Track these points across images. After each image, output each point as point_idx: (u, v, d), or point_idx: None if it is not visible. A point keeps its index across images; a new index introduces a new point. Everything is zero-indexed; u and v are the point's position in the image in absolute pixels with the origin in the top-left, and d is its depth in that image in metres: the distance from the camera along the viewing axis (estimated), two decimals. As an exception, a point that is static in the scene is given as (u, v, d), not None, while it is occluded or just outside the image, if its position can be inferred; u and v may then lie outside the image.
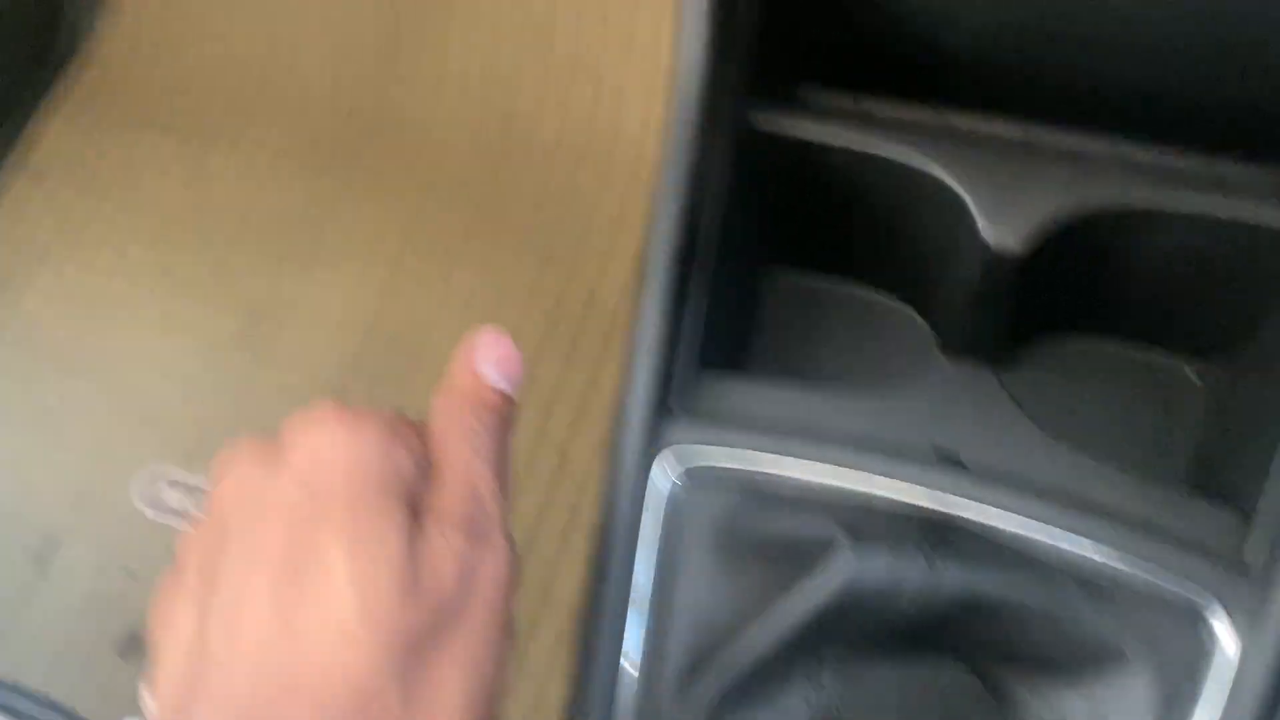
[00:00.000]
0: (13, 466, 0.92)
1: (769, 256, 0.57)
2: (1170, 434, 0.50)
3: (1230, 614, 0.38)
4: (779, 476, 0.41)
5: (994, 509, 0.40)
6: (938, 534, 0.39)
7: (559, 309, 0.88)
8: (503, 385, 0.36)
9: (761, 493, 0.41)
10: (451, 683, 0.29)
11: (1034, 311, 0.51)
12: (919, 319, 0.55)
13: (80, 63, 1.08)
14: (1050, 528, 0.40)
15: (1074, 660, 0.38)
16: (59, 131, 1.06)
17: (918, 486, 0.40)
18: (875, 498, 0.40)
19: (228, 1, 1.03)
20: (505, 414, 0.35)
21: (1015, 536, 0.39)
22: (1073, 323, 0.54)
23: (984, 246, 0.47)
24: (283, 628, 0.29)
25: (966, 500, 0.40)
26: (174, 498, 0.94)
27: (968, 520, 0.40)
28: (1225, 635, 0.38)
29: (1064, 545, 0.39)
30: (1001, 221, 0.46)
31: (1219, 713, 0.37)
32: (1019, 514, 0.40)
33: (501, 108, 0.97)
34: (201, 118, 1.03)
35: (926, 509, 0.40)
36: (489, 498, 0.33)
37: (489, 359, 0.36)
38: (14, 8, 1.04)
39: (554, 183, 0.93)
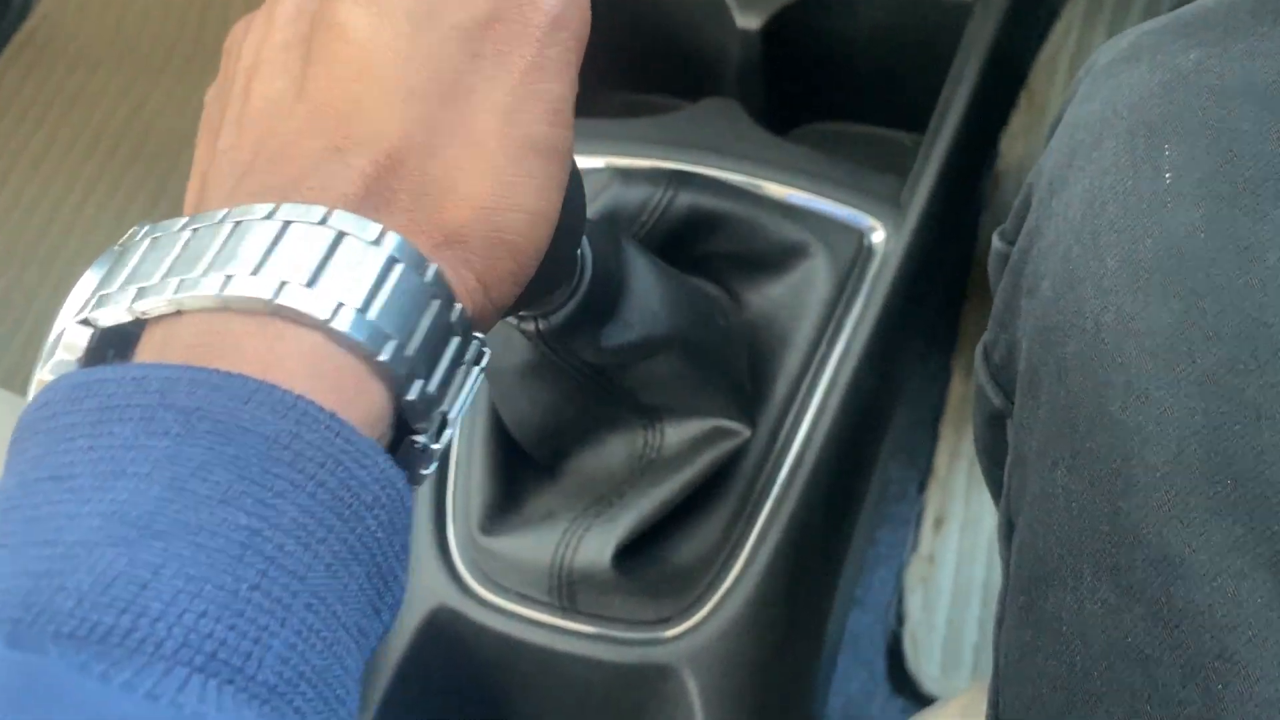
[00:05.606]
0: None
1: (597, 80, 0.74)
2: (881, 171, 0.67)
3: (884, 225, 0.56)
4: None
5: (722, 169, 0.57)
6: (680, 178, 0.55)
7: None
8: None
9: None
10: (486, 120, 0.29)
11: (782, 96, 0.69)
12: None
13: (33, 17, 1.24)
14: (762, 181, 0.57)
15: (776, 258, 0.56)
16: (14, 74, 1.21)
17: (669, 161, 0.58)
18: (638, 166, 0.58)
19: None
20: None
21: (737, 182, 0.57)
22: (814, 110, 0.72)
23: (738, 31, 0.65)
24: (295, 93, 0.30)
25: (702, 164, 0.58)
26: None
27: (702, 172, 0.57)
28: (879, 239, 0.56)
29: (770, 187, 0.57)
30: (747, 8, 0.64)
31: (872, 283, 0.55)
32: (740, 171, 0.57)
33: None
34: (144, 58, 1.19)
35: (674, 168, 0.57)
36: None
37: None
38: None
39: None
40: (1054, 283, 0.33)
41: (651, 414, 0.50)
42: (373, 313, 0.26)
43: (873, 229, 0.56)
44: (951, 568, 0.87)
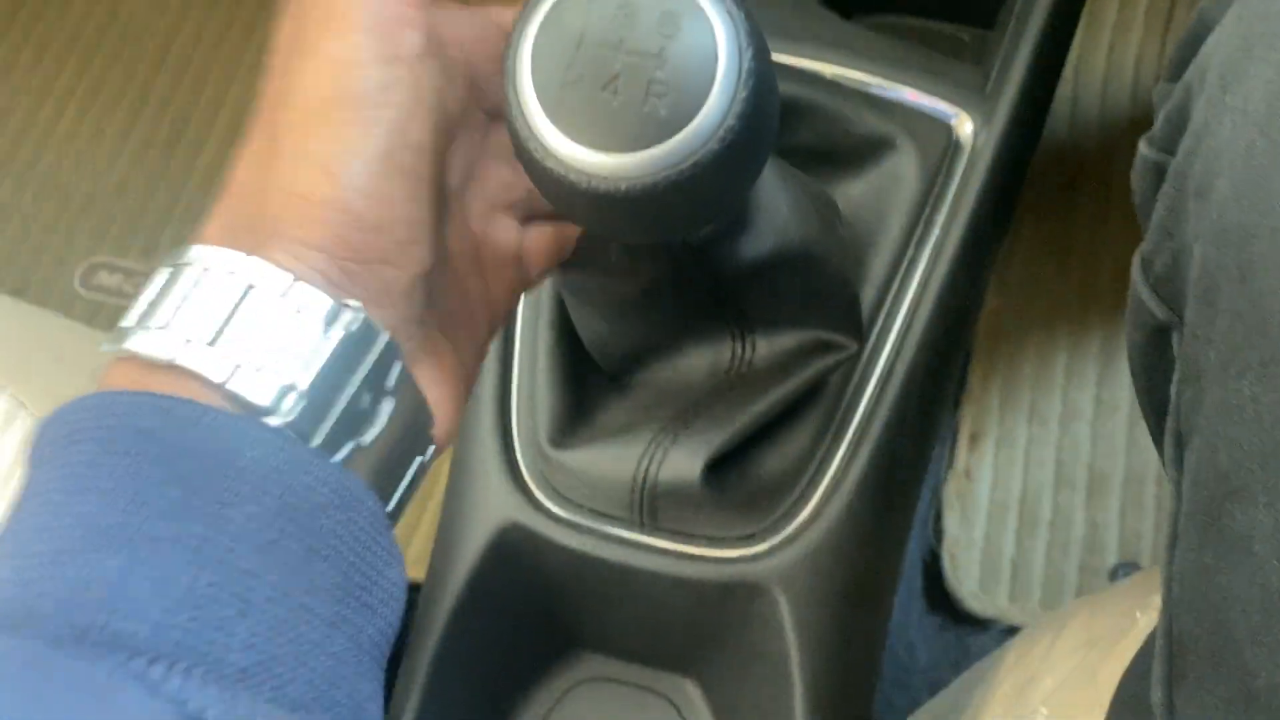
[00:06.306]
0: (-43, 258, 1.00)
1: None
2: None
3: (971, 117, 0.53)
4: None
5: (800, 56, 0.53)
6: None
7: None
8: None
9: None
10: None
11: None
12: None
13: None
14: (842, 68, 0.53)
15: (859, 152, 0.52)
16: (-17, -26, 1.14)
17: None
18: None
19: None
20: None
21: (817, 70, 0.53)
22: (868, 3, 0.68)
23: None
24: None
25: (779, 52, 0.53)
26: (110, 280, 1.04)
27: (780, 60, 0.53)
28: (966, 131, 0.52)
29: (850, 74, 0.53)
30: None
31: (962, 179, 0.52)
32: (818, 59, 0.53)
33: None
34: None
35: None
36: None
37: None
38: None
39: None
40: (1233, 180, 0.30)
41: (746, 326, 0.46)
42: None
43: (961, 122, 0.53)
44: (988, 483, 0.85)
